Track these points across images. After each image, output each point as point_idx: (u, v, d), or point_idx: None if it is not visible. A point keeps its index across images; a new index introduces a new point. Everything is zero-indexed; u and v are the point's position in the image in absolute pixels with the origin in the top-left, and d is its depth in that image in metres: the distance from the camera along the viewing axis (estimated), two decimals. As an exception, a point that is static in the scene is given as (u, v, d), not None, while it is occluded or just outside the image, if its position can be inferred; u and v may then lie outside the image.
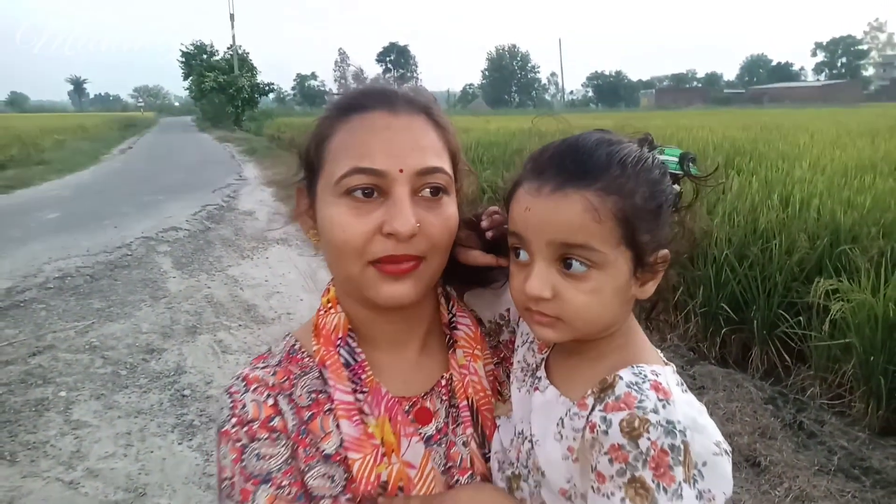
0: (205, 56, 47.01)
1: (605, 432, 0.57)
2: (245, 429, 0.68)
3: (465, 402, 0.75)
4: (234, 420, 0.69)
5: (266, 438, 0.68)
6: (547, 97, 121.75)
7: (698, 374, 3.88)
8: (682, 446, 0.54)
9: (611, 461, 0.56)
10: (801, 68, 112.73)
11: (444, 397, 0.76)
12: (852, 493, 2.78)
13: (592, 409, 0.60)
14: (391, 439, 0.70)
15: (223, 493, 0.68)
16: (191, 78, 46.33)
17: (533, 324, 0.66)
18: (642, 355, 0.64)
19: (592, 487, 0.58)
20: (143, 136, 37.32)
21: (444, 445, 0.74)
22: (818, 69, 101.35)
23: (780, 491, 2.84)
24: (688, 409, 0.57)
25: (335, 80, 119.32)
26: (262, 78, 46.44)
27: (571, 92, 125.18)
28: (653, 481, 0.54)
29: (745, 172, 5.96)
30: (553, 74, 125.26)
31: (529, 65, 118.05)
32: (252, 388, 0.71)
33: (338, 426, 0.70)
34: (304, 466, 0.69)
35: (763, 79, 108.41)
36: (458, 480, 0.73)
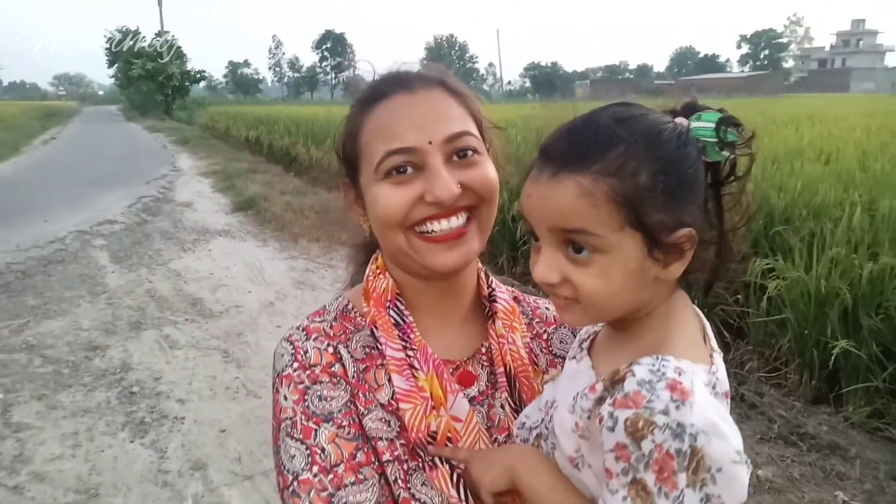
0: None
1: (612, 429, 0.56)
2: (307, 372, 0.73)
3: (502, 369, 0.80)
4: (295, 364, 0.74)
5: (328, 382, 0.73)
6: (485, 87, 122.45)
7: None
8: (689, 451, 0.53)
9: (616, 459, 0.56)
10: (727, 60, 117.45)
11: (484, 363, 0.81)
12: (791, 458, 2.98)
13: (601, 399, 0.60)
14: (439, 394, 0.74)
15: (283, 433, 0.72)
16: (116, 65, 44.31)
17: (554, 306, 0.67)
18: (671, 344, 0.62)
19: (605, 483, 0.58)
20: (67, 126, 35.45)
21: (484, 406, 0.80)
22: (743, 61, 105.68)
23: (725, 459, 3.00)
24: (708, 413, 0.55)
25: (269, 68, 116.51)
26: (193, 65, 44.85)
27: (509, 82, 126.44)
28: (654, 485, 0.54)
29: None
30: (491, 65, 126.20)
31: (468, 55, 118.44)
32: (313, 337, 0.77)
33: (389, 380, 0.75)
34: (362, 410, 0.74)
35: (691, 70, 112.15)
36: (496, 440, 0.78)
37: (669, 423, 0.54)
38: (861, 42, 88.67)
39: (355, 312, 0.81)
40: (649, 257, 0.60)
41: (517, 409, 0.79)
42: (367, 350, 0.77)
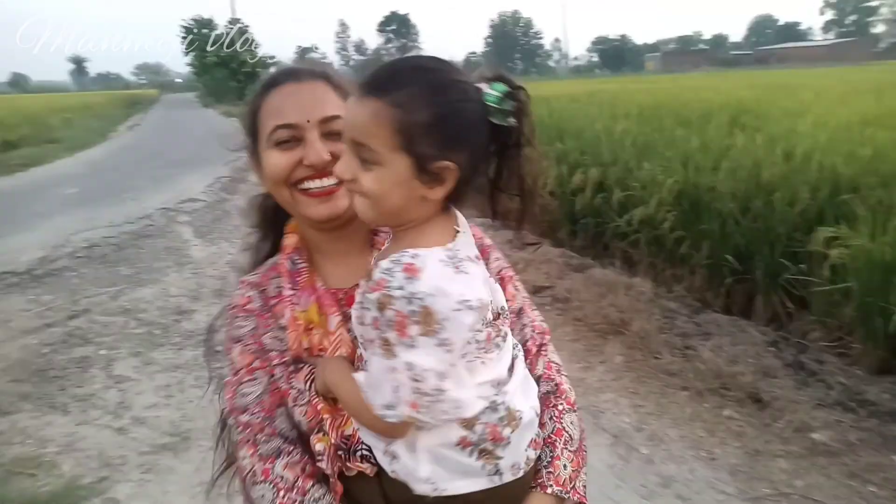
0: (205, 31, 46.57)
1: (368, 309, 0.76)
2: (233, 311, 1.02)
3: None
4: (229, 306, 1.03)
5: (241, 316, 1.00)
6: (551, 63, 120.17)
7: (703, 322, 4.05)
8: (420, 310, 0.72)
9: (373, 329, 0.75)
10: (809, 28, 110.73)
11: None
12: (849, 424, 2.98)
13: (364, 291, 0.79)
14: (314, 318, 0.96)
15: (222, 352, 1.03)
16: (192, 54, 46.05)
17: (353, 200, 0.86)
18: (421, 241, 0.79)
19: (369, 350, 0.79)
20: (148, 112, 37.34)
21: None
22: (827, 28, 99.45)
23: (781, 423, 3.03)
24: (435, 280, 0.74)
25: (336, 52, 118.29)
26: (264, 52, 46.12)
27: (576, 58, 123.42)
28: (396, 339, 0.73)
29: (749, 129, 6.06)
30: (557, 40, 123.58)
31: (532, 31, 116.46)
32: (240, 287, 1.05)
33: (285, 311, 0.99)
34: (263, 331, 0.98)
35: (770, 39, 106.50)
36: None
37: (404, 294, 0.72)
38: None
39: (280, 264, 1.03)
40: (416, 178, 0.76)
41: None
42: (279, 289, 1.00)
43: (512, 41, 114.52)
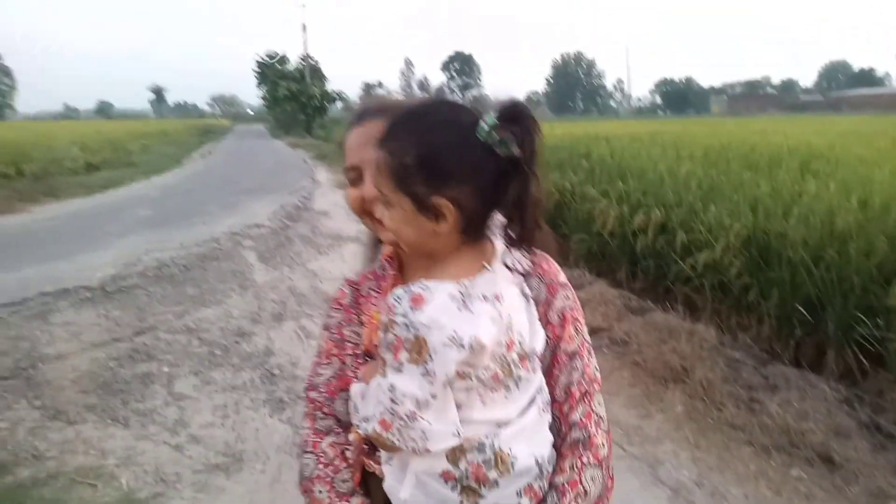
0: (278, 66, 48.61)
1: (379, 328, 0.86)
2: (331, 303, 1.14)
3: None
4: (332, 301, 1.14)
5: (335, 308, 1.12)
6: (612, 104, 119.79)
7: (771, 374, 3.87)
8: (413, 338, 0.78)
9: (381, 346, 0.83)
10: (886, 73, 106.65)
11: None
12: (934, 493, 2.76)
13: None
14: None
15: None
16: (264, 87, 48.06)
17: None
18: (438, 273, 0.86)
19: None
20: (221, 141, 39.00)
21: None
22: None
23: (855, 488, 2.84)
24: (437, 314, 0.78)
25: (401, 89, 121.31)
26: (332, 87, 47.73)
27: (638, 99, 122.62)
28: (390, 360, 0.81)
29: (822, 176, 5.84)
30: (619, 81, 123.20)
31: (595, 71, 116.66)
32: (343, 284, 1.15)
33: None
34: (346, 324, 1.09)
35: (843, 85, 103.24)
36: None
37: (405, 321, 0.79)
38: None
39: (380, 268, 1.14)
40: (420, 215, 0.83)
41: None
42: (370, 291, 1.11)
43: (573, 81, 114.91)
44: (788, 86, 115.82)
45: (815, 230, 4.33)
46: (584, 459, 0.93)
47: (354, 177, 1.10)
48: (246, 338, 4.66)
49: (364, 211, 1.09)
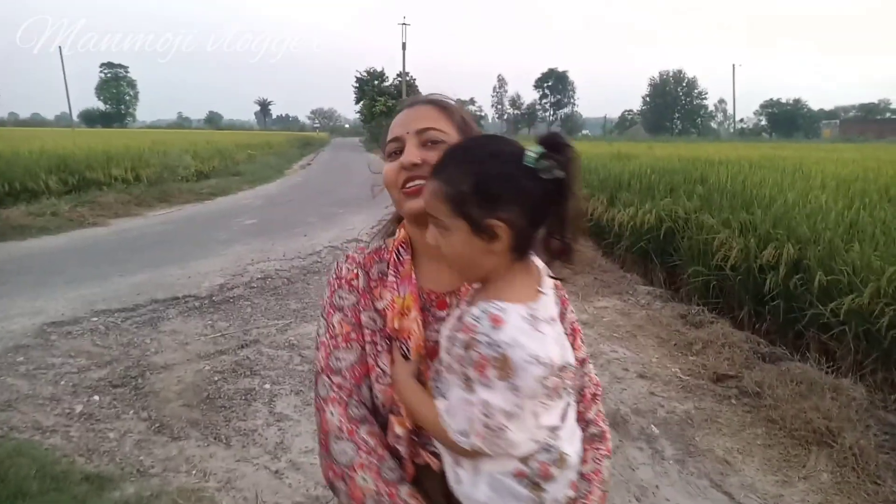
0: (376, 82, 50.01)
1: (456, 346, 0.90)
2: (338, 281, 1.15)
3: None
4: (335, 275, 1.16)
5: (346, 289, 1.13)
6: (713, 125, 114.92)
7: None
8: (499, 356, 0.84)
9: (458, 364, 0.90)
10: None
11: (458, 297, 1.11)
12: None
13: (455, 328, 0.93)
14: (410, 306, 1.07)
15: (319, 313, 1.15)
16: (362, 102, 49.54)
17: None
18: (505, 294, 0.92)
19: (452, 379, 0.93)
20: (319, 153, 40.43)
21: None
22: None
23: None
24: (515, 333, 0.86)
25: (492, 105, 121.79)
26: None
27: (741, 120, 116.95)
28: (474, 377, 0.87)
29: None
30: (721, 101, 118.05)
31: (696, 91, 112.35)
32: (347, 261, 1.18)
33: (385, 295, 1.12)
34: (363, 309, 1.11)
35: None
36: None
37: (488, 340, 0.85)
38: None
39: (385, 251, 1.17)
40: (475, 236, 0.90)
41: None
42: (381, 275, 1.14)
43: (672, 100, 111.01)
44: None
45: None
46: (602, 451, 1.12)
47: (396, 148, 1.09)
48: (346, 358, 4.56)
49: (396, 182, 1.08)
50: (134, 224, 10.44)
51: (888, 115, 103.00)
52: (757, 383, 3.99)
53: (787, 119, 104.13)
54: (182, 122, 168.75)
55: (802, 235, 5.16)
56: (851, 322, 4.24)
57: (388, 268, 1.13)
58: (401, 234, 1.16)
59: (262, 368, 4.35)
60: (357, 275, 1.15)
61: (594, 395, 1.18)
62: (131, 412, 3.70)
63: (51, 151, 14.70)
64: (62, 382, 4.05)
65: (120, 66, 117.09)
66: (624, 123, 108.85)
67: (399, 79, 48.89)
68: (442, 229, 0.93)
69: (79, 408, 3.71)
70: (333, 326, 1.11)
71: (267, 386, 4.09)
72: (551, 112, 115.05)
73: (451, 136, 1.10)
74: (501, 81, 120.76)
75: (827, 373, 4.12)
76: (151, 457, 3.23)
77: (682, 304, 5.94)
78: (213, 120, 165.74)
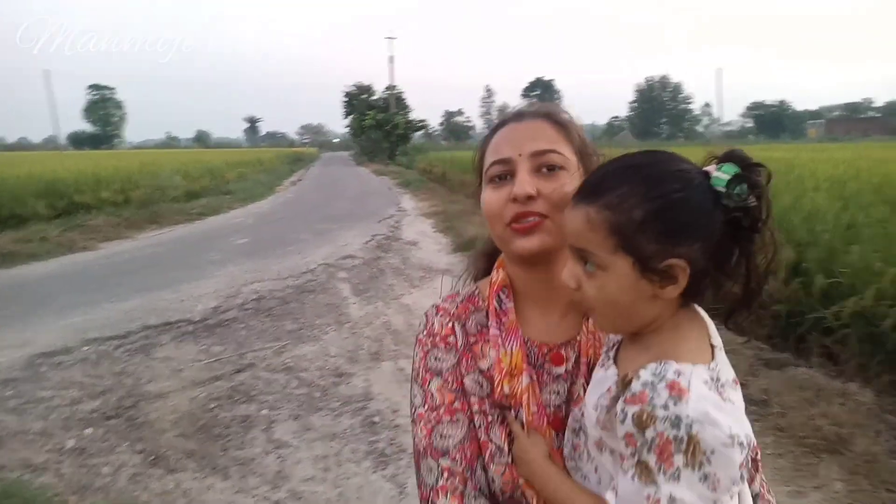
0: (364, 96, 50.13)
1: (622, 421, 0.70)
2: (431, 338, 0.98)
3: (585, 359, 0.94)
4: (425, 332, 1.00)
5: (443, 347, 0.97)
6: (699, 129, 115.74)
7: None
8: (685, 437, 0.66)
9: (626, 445, 0.70)
10: None
11: (575, 349, 0.95)
12: None
13: (616, 398, 0.73)
14: (521, 365, 0.91)
15: (412, 379, 0.98)
16: (351, 116, 49.61)
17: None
18: (678, 351, 0.74)
19: (619, 465, 0.73)
20: (309, 169, 40.38)
21: (568, 383, 0.94)
22: None
23: None
24: (702, 405, 0.67)
25: (480, 116, 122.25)
26: (415, 115, 48.65)
27: (728, 123, 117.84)
28: (655, 464, 0.68)
29: None
30: (707, 105, 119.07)
31: (681, 95, 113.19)
32: (440, 314, 1.01)
33: (489, 352, 0.95)
34: (465, 371, 0.95)
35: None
36: (570, 410, 0.92)
37: (668, 415, 0.67)
38: None
39: (479, 297, 1.01)
40: (643, 278, 0.73)
41: None
42: (479, 327, 0.98)
43: (658, 105, 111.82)
44: (893, 108, 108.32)
45: None
46: None
47: (502, 172, 0.92)
48: (344, 379, 4.47)
49: (502, 216, 0.91)
50: (124, 247, 10.32)
51: (871, 113, 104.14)
52: (763, 391, 3.94)
53: (772, 120, 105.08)
54: (170, 142, 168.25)
55: (800, 238, 5.13)
56: (855, 325, 4.20)
57: (487, 318, 0.97)
58: (499, 276, 0.99)
59: (259, 393, 4.25)
60: (453, 329, 0.98)
61: (754, 461, 0.93)
62: (125, 444, 3.59)
63: (38, 175, 14.58)
64: (53, 416, 3.94)
65: (106, 87, 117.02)
66: (612, 130, 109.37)
67: (387, 92, 49.02)
68: (591, 267, 0.76)
69: (70, 442, 3.61)
70: (433, 395, 0.94)
71: (264, 412, 3.99)
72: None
73: (571, 161, 0.93)
74: (489, 92, 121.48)
75: (833, 377, 4.07)
76: (147, 491, 3.13)
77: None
78: (201, 139, 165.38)
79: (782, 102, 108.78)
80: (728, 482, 0.68)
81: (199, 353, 5.01)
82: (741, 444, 0.68)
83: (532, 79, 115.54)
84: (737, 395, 0.74)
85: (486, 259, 1.09)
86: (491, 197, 0.93)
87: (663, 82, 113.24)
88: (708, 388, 0.70)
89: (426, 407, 0.93)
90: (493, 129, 0.99)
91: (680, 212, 0.72)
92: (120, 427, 3.79)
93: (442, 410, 0.92)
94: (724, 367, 0.75)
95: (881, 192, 6.82)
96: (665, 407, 0.67)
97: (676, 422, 0.66)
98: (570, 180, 0.91)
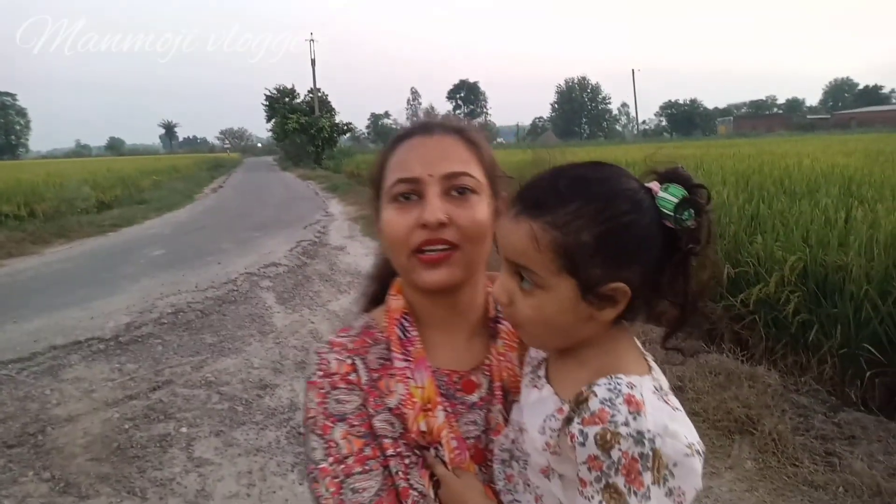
0: (287, 99, 49.07)
1: (583, 444, 0.66)
2: (328, 379, 0.86)
3: (499, 383, 0.90)
4: (320, 373, 0.87)
5: (344, 388, 0.85)
6: (618, 128, 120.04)
7: (845, 422, 3.53)
8: (650, 453, 0.64)
9: (589, 469, 0.65)
10: (892, 90, 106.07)
11: (486, 374, 0.91)
12: None
13: (570, 419, 0.68)
14: (434, 398, 0.85)
15: (308, 429, 0.85)
16: (274, 120, 48.46)
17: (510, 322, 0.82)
18: (621, 364, 0.72)
19: (578, 490, 0.67)
20: (231, 175, 39.16)
21: (484, 411, 0.90)
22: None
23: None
24: (659, 417, 0.66)
25: (407, 118, 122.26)
26: (341, 118, 48.07)
27: (644, 122, 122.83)
28: (624, 486, 0.64)
29: (868, 201, 5.53)
30: (624, 105, 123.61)
31: (600, 96, 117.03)
32: (336, 350, 0.89)
33: (396, 387, 0.87)
34: (372, 412, 0.85)
35: (849, 103, 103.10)
36: (490, 440, 0.88)
37: (630, 432, 0.64)
38: None
39: (376, 328, 0.92)
40: (583, 301, 0.70)
41: (508, 420, 0.89)
42: (382, 361, 0.88)
43: (579, 106, 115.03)
44: (794, 105, 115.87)
45: (879, 261, 4.02)
46: None
47: (408, 191, 0.85)
48: (269, 391, 4.35)
49: (408, 243, 0.84)
50: (29, 264, 9.68)
51: (776, 109, 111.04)
52: (678, 378, 4.11)
53: (685, 119, 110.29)
54: (81, 151, 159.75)
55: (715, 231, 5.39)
56: (760, 311, 4.44)
57: (388, 350, 0.89)
58: (396, 303, 0.92)
59: (178, 411, 4.07)
60: (354, 366, 0.88)
61: None
62: (31, 473, 3.36)
63: (-70, 190, 13.48)
64: (-54, 449, 3.65)
65: (7, 94, 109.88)
66: (536, 130, 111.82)
67: (311, 94, 48.19)
68: (530, 286, 0.71)
69: (-34, 476, 3.35)
70: (338, 445, 0.82)
71: (183, 429, 3.83)
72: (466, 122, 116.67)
73: (482, 185, 0.88)
74: (415, 94, 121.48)
75: (742, 361, 4.30)
76: (55, 522, 2.94)
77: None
78: (114, 146, 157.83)
79: (693, 101, 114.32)
80: (692, 493, 0.67)
81: (111, 371, 4.75)
82: (698, 451, 0.67)
83: (457, 81, 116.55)
84: (678, 402, 0.73)
85: (377, 284, 1.01)
86: (395, 219, 0.85)
87: (582, 84, 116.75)
88: (657, 398, 0.69)
89: (330, 460, 0.81)
90: (397, 140, 0.91)
91: (628, 236, 0.70)
92: (24, 455, 3.55)
93: (351, 461, 0.81)
94: (661, 375, 0.75)
95: (781, 184, 7.28)
96: (626, 424, 0.65)
97: (639, 438, 0.64)
98: (482, 206, 0.87)
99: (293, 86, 49.93)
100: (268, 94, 49.76)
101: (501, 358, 0.91)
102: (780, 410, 3.64)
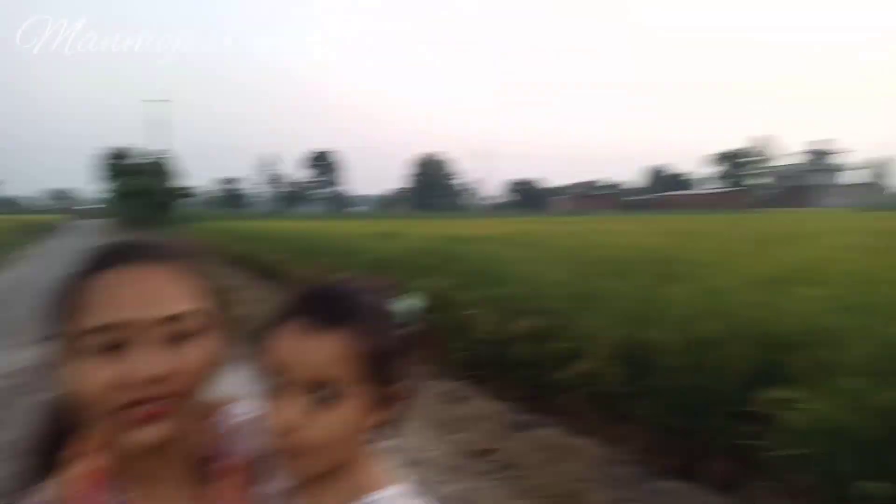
0: (121, 160, 46.19)
1: None
2: None
3: None
4: None
5: None
6: (468, 202, 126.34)
7: (662, 491, 3.80)
8: None
9: None
10: (697, 178, 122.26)
11: None
12: None
13: None
14: None
15: None
16: (107, 182, 45.25)
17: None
18: (377, 480, 0.74)
19: None
20: (53, 239, 35.39)
21: None
22: (715, 178, 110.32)
23: None
24: None
25: (261, 184, 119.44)
26: (189, 182, 46.06)
27: (489, 198, 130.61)
28: None
29: (682, 279, 6.16)
30: (473, 181, 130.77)
31: (452, 171, 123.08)
32: None
33: None
34: None
35: (661, 186, 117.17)
36: None
37: None
38: (826, 159, 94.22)
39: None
40: (377, 406, 0.73)
41: None
42: None
43: (430, 180, 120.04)
44: (617, 186, 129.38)
45: (681, 337, 4.44)
46: None
47: (107, 342, 0.69)
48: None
49: (110, 403, 0.69)
50: None
51: (603, 190, 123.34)
52: (513, 455, 4.22)
53: (526, 196, 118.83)
54: None
55: (547, 307, 5.70)
56: (585, 386, 4.72)
57: None
58: (93, 464, 0.75)
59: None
60: None
61: None
62: None
63: None
64: None
65: None
66: (392, 201, 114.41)
67: (149, 158, 45.64)
68: (328, 401, 0.70)
69: None
70: None
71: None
72: (322, 191, 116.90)
73: (208, 320, 0.77)
74: (273, 159, 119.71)
75: (572, 435, 4.51)
76: None
77: (446, 382, 6.14)
78: None
79: (535, 180, 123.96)
80: None
81: None
82: None
83: (316, 150, 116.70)
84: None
85: (49, 444, 0.80)
86: (94, 376, 0.69)
87: (435, 160, 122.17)
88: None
89: None
90: (87, 272, 0.74)
91: (398, 340, 0.76)
92: None
93: None
94: (403, 477, 0.79)
95: (606, 263, 7.93)
96: None
97: None
98: (210, 344, 0.76)
99: (129, 147, 47.20)
100: (99, 154, 46.56)
101: (221, 500, 0.81)
102: (602, 483, 3.84)
